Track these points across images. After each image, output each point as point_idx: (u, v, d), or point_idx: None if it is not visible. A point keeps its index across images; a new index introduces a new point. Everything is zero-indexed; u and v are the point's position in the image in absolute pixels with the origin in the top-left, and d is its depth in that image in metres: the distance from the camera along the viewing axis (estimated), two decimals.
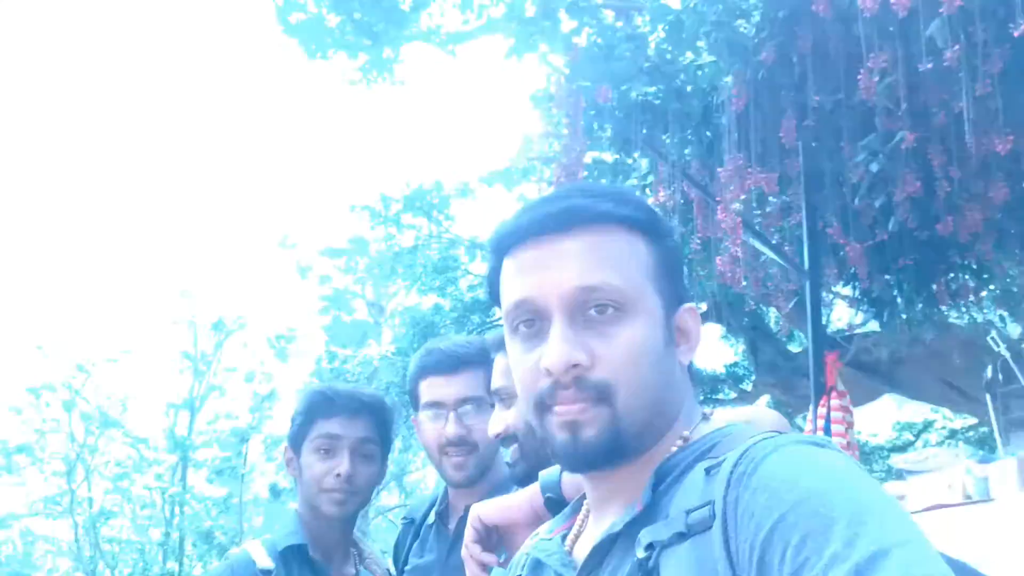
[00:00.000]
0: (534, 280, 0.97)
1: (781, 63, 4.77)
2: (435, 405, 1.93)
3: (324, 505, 1.97)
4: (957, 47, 3.69)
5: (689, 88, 5.12)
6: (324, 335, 26.82)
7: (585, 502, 1.08)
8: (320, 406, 2.02)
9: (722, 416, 1.04)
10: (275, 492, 25.50)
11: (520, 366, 0.99)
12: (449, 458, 1.90)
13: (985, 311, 7.73)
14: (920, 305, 6.92)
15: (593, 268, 0.94)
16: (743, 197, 4.77)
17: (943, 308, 7.58)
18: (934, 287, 6.79)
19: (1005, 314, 7.45)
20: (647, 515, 0.90)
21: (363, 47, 15.04)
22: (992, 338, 7.47)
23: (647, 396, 0.94)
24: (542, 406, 0.96)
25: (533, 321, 0.97)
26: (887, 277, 6.12)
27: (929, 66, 3.79)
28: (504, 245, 1.02)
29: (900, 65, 4.10)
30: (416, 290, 20.10)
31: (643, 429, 0.95)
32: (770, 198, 5.47)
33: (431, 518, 2.04)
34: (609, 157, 6.62)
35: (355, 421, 2.00)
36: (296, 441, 2.04)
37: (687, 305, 1.02)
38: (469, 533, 1.43)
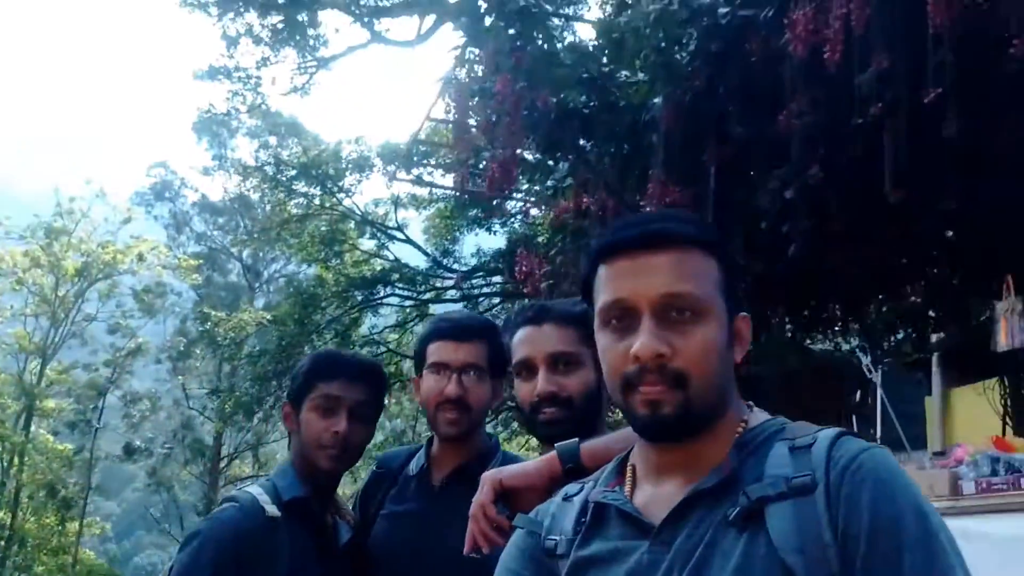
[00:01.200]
0: (628, 285, 1.22)
1: (709, 91, 5.13)
2: (441, 366, 2.11)
3: (321, 460, 2.10)
4: (880, 105, 4.12)
5: (621, 103, 5.42)
6: (194, 294, 26.03)
7: (629, 467, 1.33)
8: (324, 368, 2.16)
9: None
10: (129, 451, 24.60)
11: (610, 352, 1.24)
12: (444, 414, 2.09)
13: (851, 340, 8.45)
14: (790, 331, 7.53)
15: (678, 279, 1.20)
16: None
17: (810, 335, 8.28)
18: (805, 313, 7.42)
19: (867, 345, 8.17)
20: (730, 477, 1.17)
21: (277, 6, 14.74)
22: (867, 366, 8.18)
23: (713, 384, 1.20)
24: (629, 386, 1.21)
25: (623, 318, 1.22)
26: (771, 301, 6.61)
27: (859, 121, 4.21)
28: (603, 254, 1.29)
29: (822, 109, 4.51)
30: (299, 259, 19.83)
31: (708, 411, 1.20)
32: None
33: (411, 469, 2.22)
34: (529, 156, 6.86)
35: (355, 385, 2.13)
36: (297, 398, 2.16)
37: (742, 314, 1.29)
38: (487, 493, 1.62)
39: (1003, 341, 4.85)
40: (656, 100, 5.38)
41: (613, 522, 1.25)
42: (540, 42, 5.21)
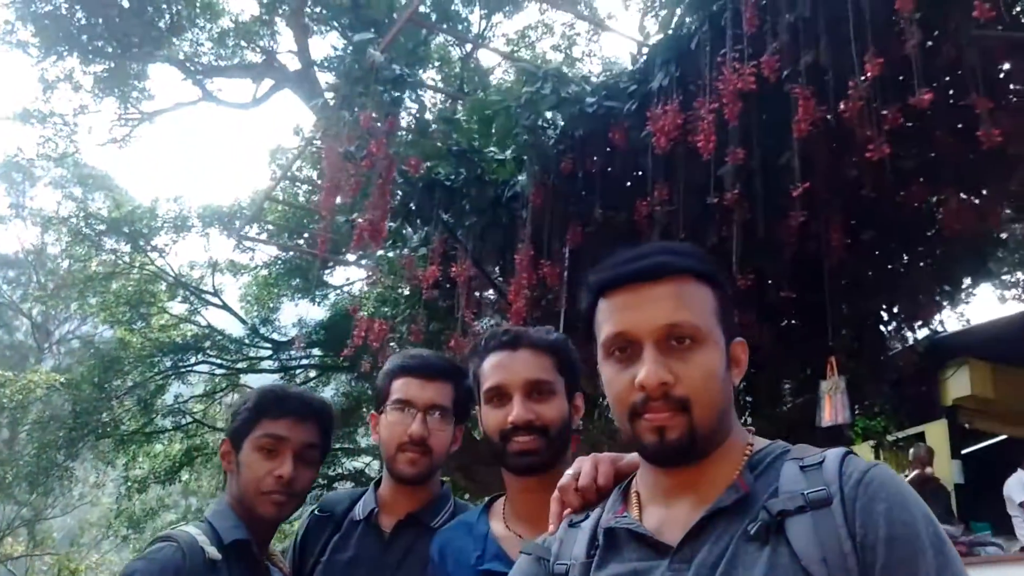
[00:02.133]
0: (630, 317, 1.28)
1: (573, 174, 5.39)
2: (405, 403, 2.04)
3: (261, 505, 1.97)
4: (737, 191, 4.49)
5: (488, 177, 5.58)
6: None
7: (634, 493, 1.38)
8: (270, 405, 2.03)
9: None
10: None
11: (614, 383, 1.29)
12: (405, 455, 2.02)
13: None
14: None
15: (677, 309, 1.27)
16: (527, 289, 5.24)
17: None
18: None
19: None
20: (747, 495, 1.23)
21: (106, 55, 14.04)
22: None
23: (715, 408, 1.26)
24: (634, 413, 1.26)
25: (626, 348, 1.28)
26: None
27: (716, 208, 4.56)
28: (602, 288, 1.34)
29: (680, 197, 4.86)
30: (101, 320, 18.42)
31: (712, 433, 1.27)
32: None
33: (356, 514, 2.11)
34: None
35: (302, 425, 2.02)
36: (238, 436, 2.02)
37: (738, 339, 1.37)
38: (593, 473, 1.49)
39: (827, 417, 5.28)
40: (521, 177, 5.60)
41: (628, 545, 1.29)
42: (414, 111, 5.31)
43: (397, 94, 5.33)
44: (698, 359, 1.25)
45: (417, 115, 5.39)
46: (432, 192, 5.56)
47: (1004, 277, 9.70)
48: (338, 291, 16.34)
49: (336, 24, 14.10)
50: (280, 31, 14.83)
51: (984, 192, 5.61)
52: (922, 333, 6.96)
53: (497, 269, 5.95)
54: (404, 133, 5.39)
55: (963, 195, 5.55)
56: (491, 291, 6.52)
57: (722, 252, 4.79)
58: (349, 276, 16.50)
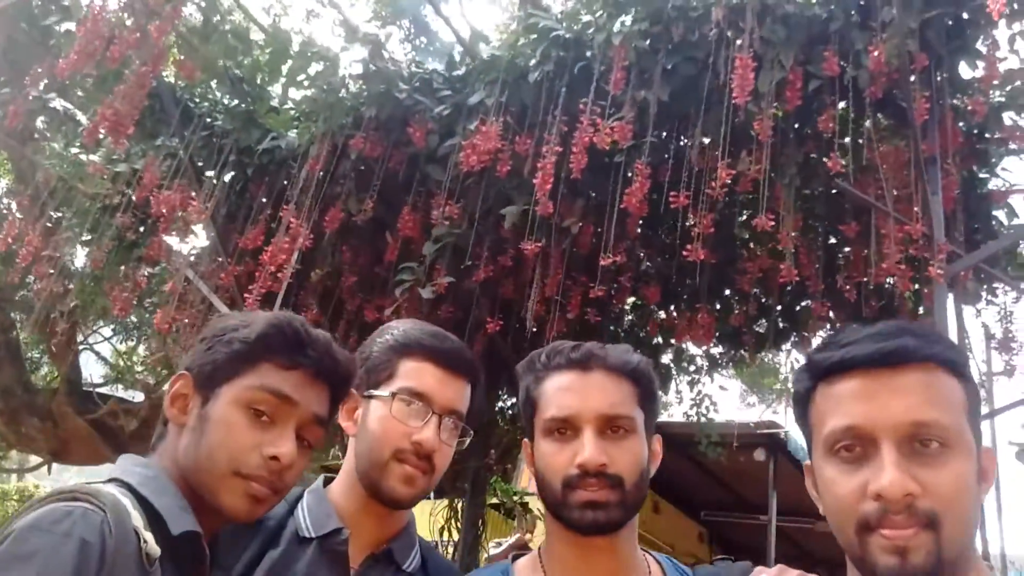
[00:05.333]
0: (863, 409, 1.06)
1: (360, 155, 4.89)
2: (421, 398, 1.49)
3: (228, 494, 1.23)
4: (540, 243, 4.29)
5: (257, 119, 4.82)
6: None
7: None
8: (280, 345, 1.30)
9: None
10: None
11: (839, 487, 1.07)
12: (403, 467, 1.46)
13: None
14: None
15: (924, 406, 1.05)
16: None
17: None
18: None
19: None
20: None
21: None
22: None
23: (966, 527, 1.05)
24: (866, 527, 1.03)
25: (855, 447, 1.06)
26: None
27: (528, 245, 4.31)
28: (828, 371, 1.11)
29: (471, 223, 4.57)
30: None
31: (959, 558, 1.04)
32: None
33: (303, 528, 1.48)
34: None
35: (316, 386, 1.32)
36: (212, 377, 1.28)
37: (987, 447, 1.13)
38: None
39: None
40: (292, 134, 4.94)
41: None
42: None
43: None
44: (949, 467, 1.04)
45: (205, 12, 4.49)
46: (182, 109, 4.65)
47: None
48: None
49: None
50: None
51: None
52: None
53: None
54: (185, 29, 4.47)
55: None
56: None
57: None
58: None
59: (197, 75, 4.41)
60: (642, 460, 1.40)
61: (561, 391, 1.41)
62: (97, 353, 12.49)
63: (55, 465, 12.18)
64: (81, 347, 10.87)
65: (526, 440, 1.51)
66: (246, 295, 4.58)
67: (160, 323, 4.76)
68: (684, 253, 4.13)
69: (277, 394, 1.27)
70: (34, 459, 12.93)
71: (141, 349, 11.66)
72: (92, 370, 12.20)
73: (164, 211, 4.90)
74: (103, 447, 9.97)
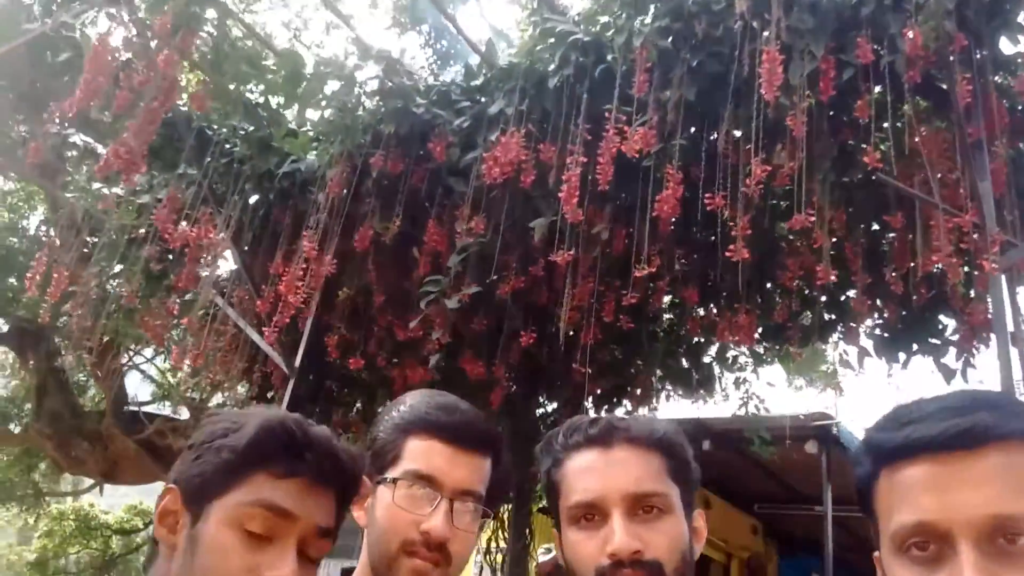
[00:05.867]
0: (935, 502, 0.90)
1: (381, 173, 4.80)
2: (428, 481, 1.33)
3: None
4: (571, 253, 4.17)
5: (273, 144, 4.75)
6: None
7: None
8: (273, 451, 1.13)
9: None
10: None
11: None
12: (412, 560, 1.29)
13: None
14: None
15: (1008, 496, 0.88)
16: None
17: None
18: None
19: None
20: None
21: None
22: None
23: None
24: None
25: (928, 544, 0.90)
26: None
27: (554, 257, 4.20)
28: (886, 457, 0.95)
29: (498, 236, 4.45)
30: None
31: None
32: None
33: None
34: None
35: (317, 493, 1.15)
36: (202, 490, 1.13)
37: None
38: None
39: None
40: (312, 156, 4.85)
41: None
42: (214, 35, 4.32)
43: (197, 9, 4.32)
44: None
45: (215, 41, 4.41)
46: (199, 137, 4.59)
47: None
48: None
49: None
50: None
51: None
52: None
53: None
54: (197, 58, 4.39)
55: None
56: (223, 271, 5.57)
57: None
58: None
59: (209, 105, 4.34)
60: (682, 541, 1.25)
61: (582, 472, 1.27)
62: (143, 372, 12.58)
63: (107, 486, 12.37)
64: (126, 368, 10.97)
65: (554, 530, 1.35)
66: (275, 323, 4.51)
67: (178, 359, 4.73)
68: (727, 254, 3.97)
69: (273, 509, 1.10)
70: (87, 481, 13.18)
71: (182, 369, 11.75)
72: (139, 389, 12.30)
73: (181, 244, 4.87)
74: (153, 466, 10.07)
